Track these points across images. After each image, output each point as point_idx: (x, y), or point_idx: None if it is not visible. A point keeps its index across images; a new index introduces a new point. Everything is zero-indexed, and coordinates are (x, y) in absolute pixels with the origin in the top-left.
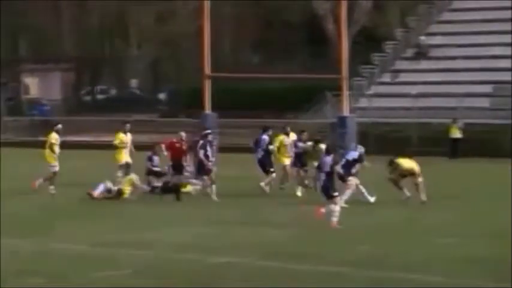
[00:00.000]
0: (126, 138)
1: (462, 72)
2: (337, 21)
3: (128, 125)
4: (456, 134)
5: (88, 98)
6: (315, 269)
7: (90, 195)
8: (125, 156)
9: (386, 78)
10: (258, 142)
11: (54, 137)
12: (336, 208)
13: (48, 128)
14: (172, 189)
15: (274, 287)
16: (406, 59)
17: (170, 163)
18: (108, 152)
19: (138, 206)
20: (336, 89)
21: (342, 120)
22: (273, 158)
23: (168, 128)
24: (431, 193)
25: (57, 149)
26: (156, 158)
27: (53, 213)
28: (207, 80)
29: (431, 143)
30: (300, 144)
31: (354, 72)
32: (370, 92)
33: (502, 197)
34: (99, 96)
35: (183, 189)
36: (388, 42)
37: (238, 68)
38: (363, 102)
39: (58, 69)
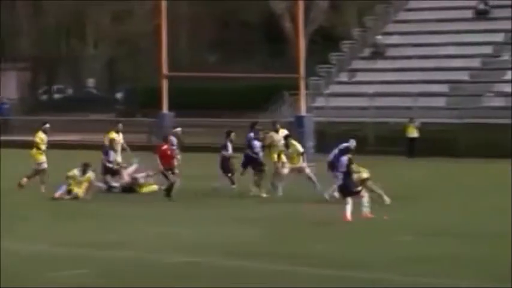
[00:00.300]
0: (119, 137)
1: (418, 72)
2: (294, 20)
3: (121, 125)
4: (413, 133)
5: (45, 97)
6: (279, 268)
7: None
8: (118, 157)
9: (344, 77)
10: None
11: (40, 136)
12: (365, 199)
13: (8, 128)
14: (132, 189)
15: (237, 287)
16: (363, 58)
17: (162, 170)
18: (67, 151)
19: (101, 205)
20: (294, 88)
21: (299, 120)
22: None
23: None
24: (389, 192)
25: (43, 147)
26: (112, 153)
27: (15, 214)
28: (164, 80)
29: (388, 142)
30: (257, 143)
31: (311, 72)
32: (328, 91)
33: (458, 196)
34: (56, 96)
35: (146, 190)
36: (345, 42)
37: (195, 68)
38: (320, 102)
39: (14, 69)
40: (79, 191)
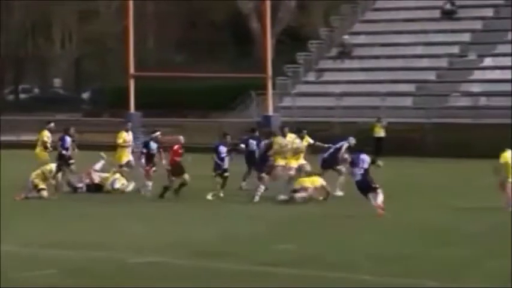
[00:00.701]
0: (128, 137)
1: (385, 71)
2: (261, 20)
3: (130, 124)
4: (380, 133)
5: (11, 97)
6: (243, 268)
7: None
8: (127, 155)
9: (311, 77)
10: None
11: (46, 135)
12: (381, 195)
13: None
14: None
15: (197, 287)
16: (330, 58)
17: (169, 168)
18: (32, 151)
19: (67, 205)
20: (261, 88)
21: (267, 119)
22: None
23: (91, 127)
24: (356, 191)
25: (48, 146)
26: (68, 140)
27: None
28: (131, 79)
29: (356, 142)
30: (222, 148)
31: (278, 72)
32: (295, 91)
33: (426, 195)
34: (22, 96)
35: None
36: (312, 42)
37: (163, 68)
38: (288, 102)
39: None
40: (43, 187)
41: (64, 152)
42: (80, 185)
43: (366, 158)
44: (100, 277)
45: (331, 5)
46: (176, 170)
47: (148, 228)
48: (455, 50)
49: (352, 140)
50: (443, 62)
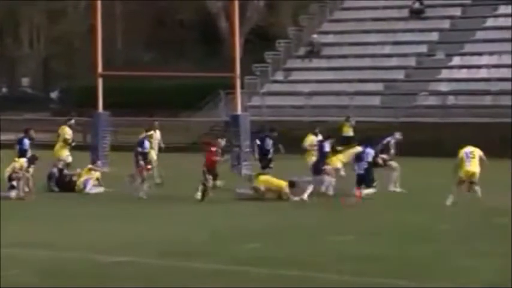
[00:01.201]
0: (156, 135)
1: (354, 71)
2: (229, 19)
3: (157, 123)
4: (348, 132)
5: None
6: (212, 267)
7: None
8: (153, 154)
9: (279, 76)
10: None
11: (68, 132)
12: (371, 190)
13: None
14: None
15: (168, 287)
16: (299, 57)
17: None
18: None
19: (38, 206)
20: (229, 87)
21: (235, 119)
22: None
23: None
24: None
25: (70, 143)
26: (26, 142)
27: None
28: (99, 79)
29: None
30: (147, 143)
31: (247, 71)
32: (263, 90)
33: (396, 195)
34: None
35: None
36: (280, 41)
37: (131, 67)
38: (256, 101)
39: None
40: (13, 185)
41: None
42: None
43: (370, 152)
44: (70, 277)
45: (300, 4)
46: (212, 171)
47: (118, 227)
48: (423, 49)
49: (398, 135)
50: (411, 61)
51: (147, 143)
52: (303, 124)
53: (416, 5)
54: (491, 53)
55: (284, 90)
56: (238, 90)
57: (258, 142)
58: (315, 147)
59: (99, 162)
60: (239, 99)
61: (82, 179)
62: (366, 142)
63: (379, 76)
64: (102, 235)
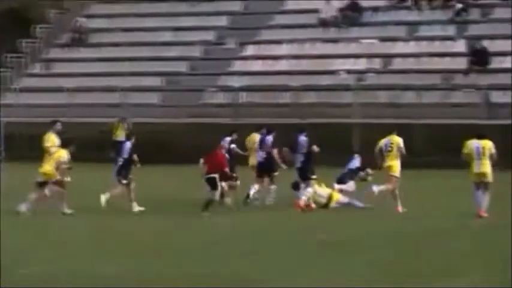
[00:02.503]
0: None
1: (128, 62)
2: None
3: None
4: (122, 135)
5: None
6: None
7: None
8: None
9: (38, 69)
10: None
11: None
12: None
13: None
14: None
15: None
16: (62, 46)
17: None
18: None
19: None
20: None
21: None
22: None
23: None
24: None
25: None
26: None
27: None
28: None
29: (94, 146)
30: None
31: None
32: (19, 85)
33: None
34: None
35: None
36: (39, 26)
37: None
38: (10, 98)
39: None
40: None
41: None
42: None
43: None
44: None
45: None
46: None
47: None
48: (210, 36)
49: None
50: (196, 51)
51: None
52: (67, 126)
53: None
54: (291, 41)
55: (43, 85)
56: None
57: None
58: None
59: None
60: None
61: None
62: None
63: (158, 69)
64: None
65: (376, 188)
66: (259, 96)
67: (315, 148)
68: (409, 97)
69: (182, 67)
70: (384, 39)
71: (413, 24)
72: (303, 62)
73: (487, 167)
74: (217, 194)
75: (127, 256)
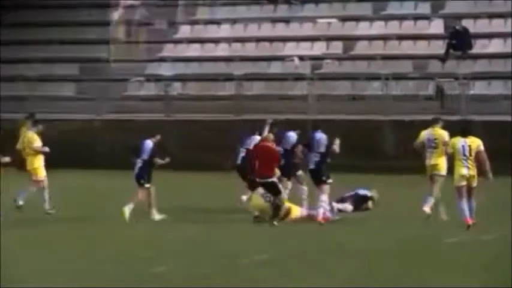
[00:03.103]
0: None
1: (37, 46)
2: None
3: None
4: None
5: None
6: None
7: None
8: None
9: None
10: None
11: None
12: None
13: None
14: None
15: None
16: None
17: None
18: None
19: None
20: None
21: None
22: None
23: None
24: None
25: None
26: None
27: None
28: None
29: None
30: None
31: None
32: None
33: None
34: None
35: None
36: None
37: None
38: None
39: None
40: None
41: None
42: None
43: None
44: None
45: None
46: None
47: None
48: (136, 15)
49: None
50: (119, 33)
51: None
52: None
53: None
54: (233, 21)
55: None
56: None
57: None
58: None
59: None
60: None
61: None
62: None
63: (72, 54)
64: None
65: (427, 208)
66: (195, 87)
67: (336, 148)
68: (375, 88)
69: (102, 52)
70: (344, 19)
71: (380, 1)
72: (247, 46)
73: (473, 170)
74: (281, 197)
75: None
